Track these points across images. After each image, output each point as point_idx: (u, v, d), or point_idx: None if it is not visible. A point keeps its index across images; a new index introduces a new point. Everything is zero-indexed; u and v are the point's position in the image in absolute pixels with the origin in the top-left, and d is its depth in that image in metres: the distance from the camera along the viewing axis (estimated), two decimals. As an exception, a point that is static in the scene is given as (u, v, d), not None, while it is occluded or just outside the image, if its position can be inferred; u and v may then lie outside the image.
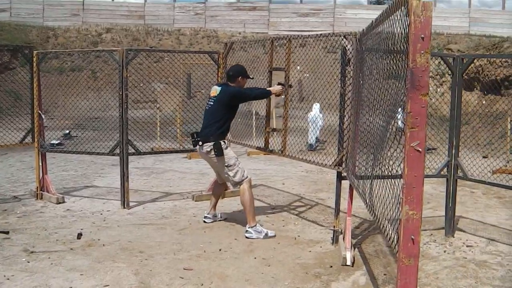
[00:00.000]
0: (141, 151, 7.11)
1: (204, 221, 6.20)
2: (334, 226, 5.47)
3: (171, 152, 8.73)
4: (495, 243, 5.67)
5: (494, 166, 8.46)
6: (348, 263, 4.86)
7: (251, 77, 6.19)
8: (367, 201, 3.93)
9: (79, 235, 5.59)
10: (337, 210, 5.40)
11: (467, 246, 5.55)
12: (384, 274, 4.70)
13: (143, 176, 9.15)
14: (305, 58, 7.00)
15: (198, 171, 9.67)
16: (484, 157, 10.26)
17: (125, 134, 6.68)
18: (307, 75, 23.33)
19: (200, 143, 5.80)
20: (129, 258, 4.98)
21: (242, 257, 5.08)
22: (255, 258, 5.04)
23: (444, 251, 5.38)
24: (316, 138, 12.72)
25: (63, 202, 7.04)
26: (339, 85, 5.30)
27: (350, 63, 5.13)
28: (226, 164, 5.75)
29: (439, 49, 19.52)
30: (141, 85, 19.25)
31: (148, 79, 19.25)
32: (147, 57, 20.73)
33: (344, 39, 5.18)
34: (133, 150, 6.83)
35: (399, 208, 2.78)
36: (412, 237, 2.53)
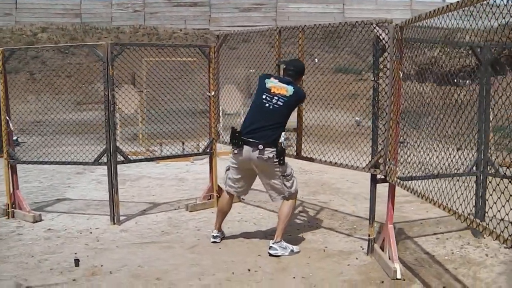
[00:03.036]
0: (131, 158, 6.31)
1: (216, 241, 5.33)
2: (369, 235, 4.93)
3: (169, 157, 7.67)
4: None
5: None
6: (399, 276, 4.34)
7: None
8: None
9: (77, 262, 4.76)
10: (372, 218, 4.87)
11: (504, 247, 5.17)
12: (444, 287, 4.22)
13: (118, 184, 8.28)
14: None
15: (174, 176, 8.95)
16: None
17: (113, 140, 5.89)
18: (252, 70, 22.81)
19: (261, 146, 4.83)
20: None
21: (278, 277, 4.45)
22: (293, 277, 4.41)
23: (486, 255, 4.96)
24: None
25: (41, 220, 6.13)
26: (372, 79, 4.77)
27: (386, 53, 4.61)
28: (285, 174, 5.01)
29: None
30: (82, 86, 18.08)
31: (92, 79, 18.11)
32: (87, 56, 19.56)
33: (377, 28, 4.65)
34: (122, 158, 6.05)
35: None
36: None
